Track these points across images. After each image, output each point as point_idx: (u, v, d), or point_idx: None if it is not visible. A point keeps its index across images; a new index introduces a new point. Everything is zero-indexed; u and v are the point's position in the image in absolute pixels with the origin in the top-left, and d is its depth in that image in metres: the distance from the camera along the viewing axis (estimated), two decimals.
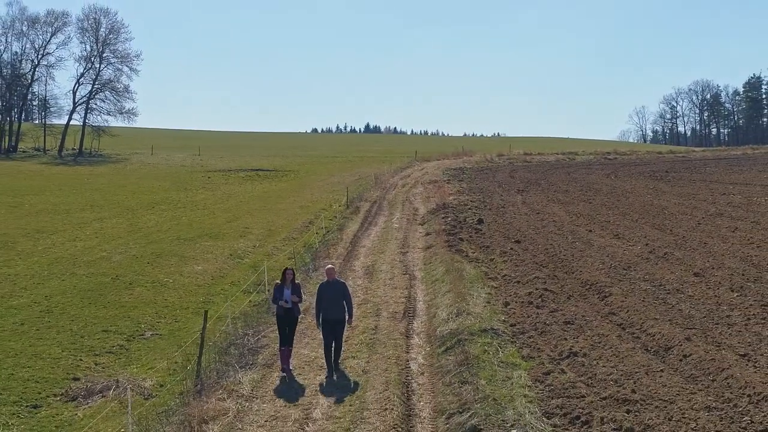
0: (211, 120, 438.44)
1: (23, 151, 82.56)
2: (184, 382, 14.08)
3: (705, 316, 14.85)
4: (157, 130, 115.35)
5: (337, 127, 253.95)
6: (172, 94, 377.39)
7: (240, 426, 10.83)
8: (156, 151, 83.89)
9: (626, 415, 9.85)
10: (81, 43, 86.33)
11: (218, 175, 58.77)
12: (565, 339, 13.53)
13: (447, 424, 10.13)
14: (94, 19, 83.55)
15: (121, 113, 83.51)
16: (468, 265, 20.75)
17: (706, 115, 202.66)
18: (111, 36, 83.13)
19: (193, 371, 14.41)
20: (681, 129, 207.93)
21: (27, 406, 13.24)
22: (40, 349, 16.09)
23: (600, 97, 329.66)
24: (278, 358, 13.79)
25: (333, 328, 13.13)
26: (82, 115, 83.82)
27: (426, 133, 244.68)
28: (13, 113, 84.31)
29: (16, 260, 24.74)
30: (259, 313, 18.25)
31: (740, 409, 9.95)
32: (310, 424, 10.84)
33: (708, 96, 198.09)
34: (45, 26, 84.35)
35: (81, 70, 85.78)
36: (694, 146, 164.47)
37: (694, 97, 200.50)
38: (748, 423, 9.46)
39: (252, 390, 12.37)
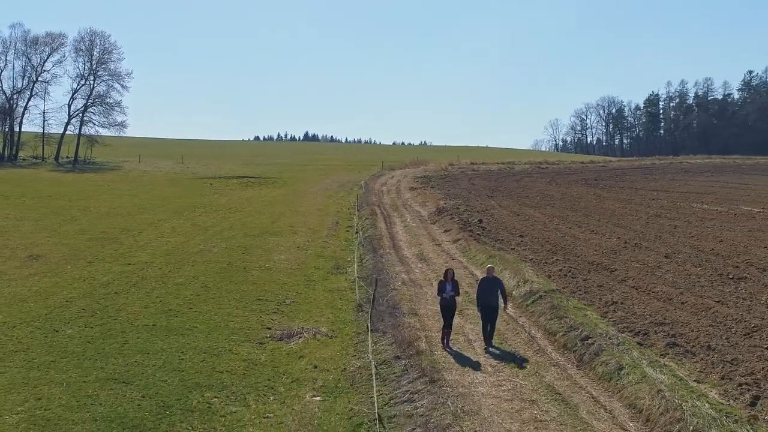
0: (155, 128, 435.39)
1: (23, 159, 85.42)
2: (345, 328, 19.84)
3: (684, 281, 21.69)
4: (127, 138, 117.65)
5: (278, 135, 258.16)
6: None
7: (436, 342, 16.88)
8: (142, 159, 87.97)
9: (667, 329, 16.41)
10: (74, 61, 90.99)
11: (217, 182, 63.43)
12: (605, 294, 20.08)
13: (565, 337, 16.42)
14: (90, 40, 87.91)
15: (113, 126, 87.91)
16: (500, 252, 27.10)
17: (611, 127, 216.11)
18: (105, 56, 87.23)
19: (351, 321, 20.31)
20: (589, 139, 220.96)
21: (255, 343, 18.67)
22: (227, 310, 21.42)
23: (516, 109, 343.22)
24: (441, 335, 16.98)
25: (488, 312, 16.42)
26: (77, 126, 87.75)
27: (359, 141, 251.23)
28: (14, 124, 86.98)
29: (135, 252, 29.72)
30: (364, 286, 23.99)
31: (728, 326, 16.66)
32: (479, 342, 16.98)
33: (613, 110, 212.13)
34: (43, 46, 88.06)
35: (75, 85, 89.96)
36: (601, 155, 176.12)
37: (601, 111, 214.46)
38: (736, 330, 16.19)
39: (421, 326, 18.40)
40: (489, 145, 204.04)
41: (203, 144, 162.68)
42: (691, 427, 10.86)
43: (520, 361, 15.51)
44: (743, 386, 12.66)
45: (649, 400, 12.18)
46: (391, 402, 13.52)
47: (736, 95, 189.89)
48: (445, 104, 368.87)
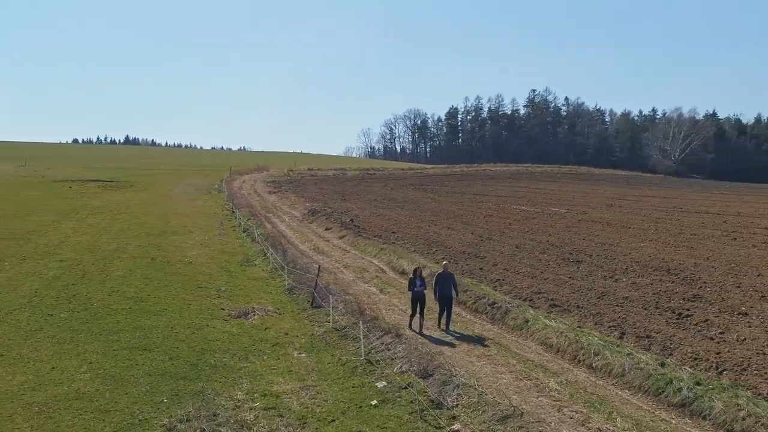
0: None
1: None
2: (287, 307, 23.37)
3: (539, 264, 27.41)
4: None
5: (98, 138, 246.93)
6: None
7: (379, 310, 21.03)
8: None
9: (545, 296, 21.73)
10: None
11: (76, 185, 62.15)
12: (487, 275, 25.20)
13: (476, 304, 21.18)
14: None
15: None
16: (386, 245, 31.59)
17: (416, 136, 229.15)
18: None
19: (289, 301, 23.85)
20: (398, 147, 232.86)
21: (221, 320, 21.56)
22: (180, 297, 23.83)
23: (330, 118, 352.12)
24: (409, 322, 19.59)
25: (445, 301, 19.12)
26: None
27: (180, 145, 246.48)
28: None
29: (55, 250, 30.75)
30: (297, 271, 27.37)
31: (584, 293, 22.28)
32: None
33: (418, 121, 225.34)
34: None
35: None
36: (407, 161, 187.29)
37: (408, 122, 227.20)
38: (591, 295, 21.84)
39: (359, 301, 22.42)
40: (303, 151, 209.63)
41: (27, 146, 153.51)
42: (592, 351, 15.99)
43: (450, 323, 20.13)
44: (611, 328, 18.12)
45: (556, 338, 17.25)
46: (372, 351, 17.51)
47: (522, 111, 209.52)
48: (258, 111, 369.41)
